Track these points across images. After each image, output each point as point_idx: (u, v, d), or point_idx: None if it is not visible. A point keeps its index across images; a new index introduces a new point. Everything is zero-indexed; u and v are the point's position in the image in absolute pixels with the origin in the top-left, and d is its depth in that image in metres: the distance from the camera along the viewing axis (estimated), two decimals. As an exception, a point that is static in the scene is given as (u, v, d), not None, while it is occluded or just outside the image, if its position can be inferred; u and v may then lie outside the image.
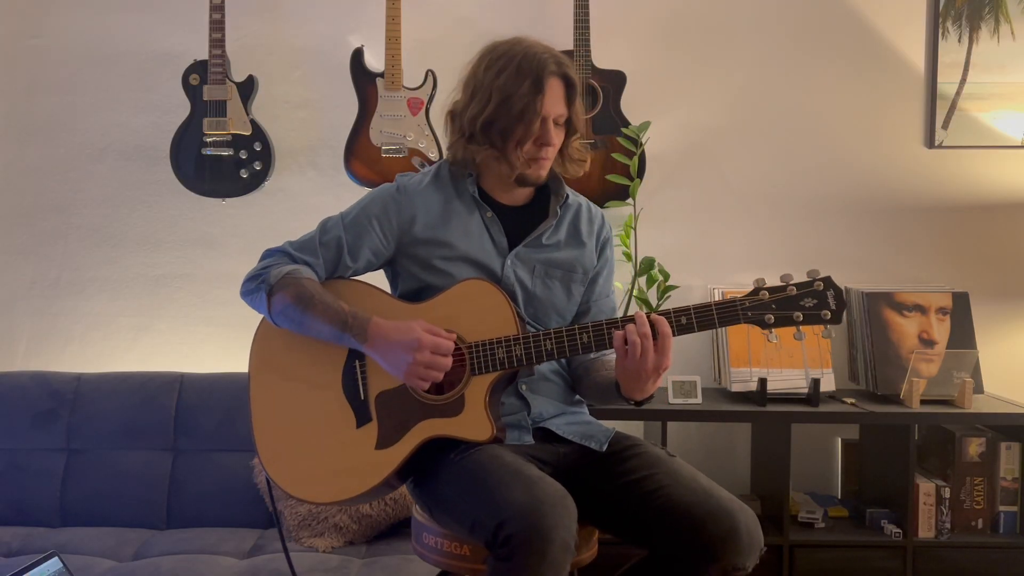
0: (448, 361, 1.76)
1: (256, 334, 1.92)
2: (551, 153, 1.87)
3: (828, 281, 1.73)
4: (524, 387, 1.89)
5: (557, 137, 1.86)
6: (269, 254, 1.91)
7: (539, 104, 1.80)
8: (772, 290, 1.73)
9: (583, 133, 1.93)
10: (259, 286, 1.84)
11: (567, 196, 1.97)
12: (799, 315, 1.72)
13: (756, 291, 1.74)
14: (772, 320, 1.73)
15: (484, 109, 1.83)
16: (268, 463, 1.87)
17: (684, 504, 1.70)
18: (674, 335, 1.73)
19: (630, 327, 1.71)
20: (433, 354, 1.73)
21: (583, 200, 2.02)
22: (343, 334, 1.78)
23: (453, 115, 1.91)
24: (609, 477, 1.81)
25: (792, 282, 1.73)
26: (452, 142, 1.91)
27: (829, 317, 1.72)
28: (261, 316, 1.90)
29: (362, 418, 1.83)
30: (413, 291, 1.91)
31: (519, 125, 1.81)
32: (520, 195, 1.95)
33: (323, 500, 1.87)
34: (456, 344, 1.80)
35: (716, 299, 1.76)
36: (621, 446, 1.86)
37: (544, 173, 1.89)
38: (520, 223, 1.93)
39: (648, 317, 1.72)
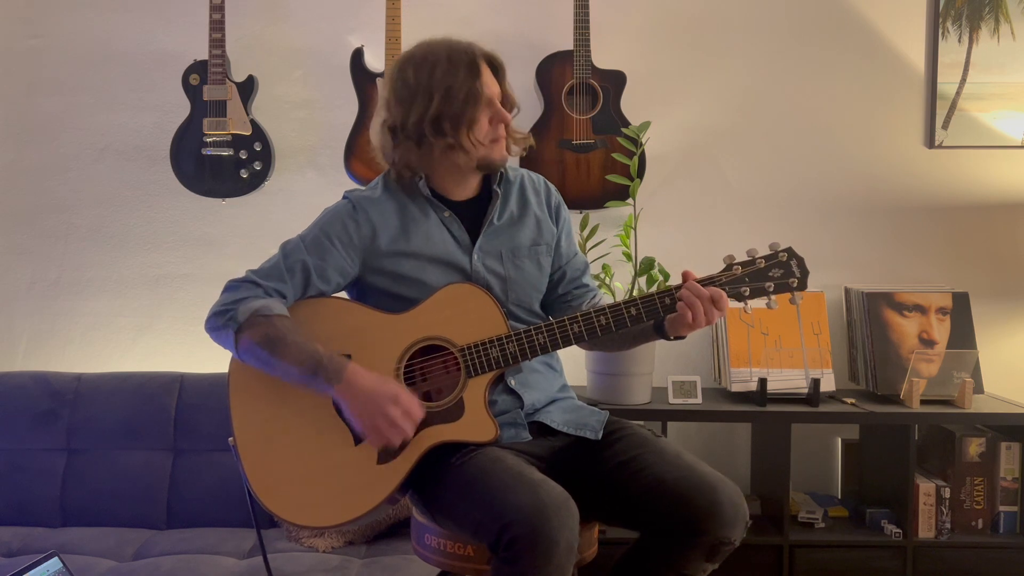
0: (411, 431, 1.73)
1: (231, 363, 1.84)
2: (508, 131, 1.90)
3: (791, 252, 1.84)
4: (513, 382, 1.89)
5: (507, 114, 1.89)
6: (234, 286, 1.83)
7: (479, 86, 1.83)
8: (743, 264, 1.83)
9: (519, 110, 1.96)
10: (227, 323, 1.77)
11: (501, 173, 1.97)
12: (770, 285, 1.83)
13: (729, 267, 1.84)
14: (747, 292, 1.83)
15: (428, 108, 1.83)
16: (265, 495, 1.79)
17: (668, 480, 1.73)
18: (662, 316, 1.82)
19: (684, 293, 1.77)
20: (404, 414, 1.72)
21: (522, 171, 2.04)
22: (314, 376, 1.73)
23: (393, 128, 1.88)
24: (599, 462, 1.83)
25: (759, 256, 1.84)
26: (401, 153, 1.88)
27: (796, 284, 1.84)
28: None
29: (359, 435, 1.79)
30: (384, 308, 1.88)
31: (467, 110, 1.83)
32: (470, 187, 1.96)
33: (330, 524, 1.81)
34: (449, 349, 1.81)
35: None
36: (609, 430, 1.89)
37: (505, 153, 1.91)
38: (476, 215, 1.94)
39: (684, 290, 1.78)
